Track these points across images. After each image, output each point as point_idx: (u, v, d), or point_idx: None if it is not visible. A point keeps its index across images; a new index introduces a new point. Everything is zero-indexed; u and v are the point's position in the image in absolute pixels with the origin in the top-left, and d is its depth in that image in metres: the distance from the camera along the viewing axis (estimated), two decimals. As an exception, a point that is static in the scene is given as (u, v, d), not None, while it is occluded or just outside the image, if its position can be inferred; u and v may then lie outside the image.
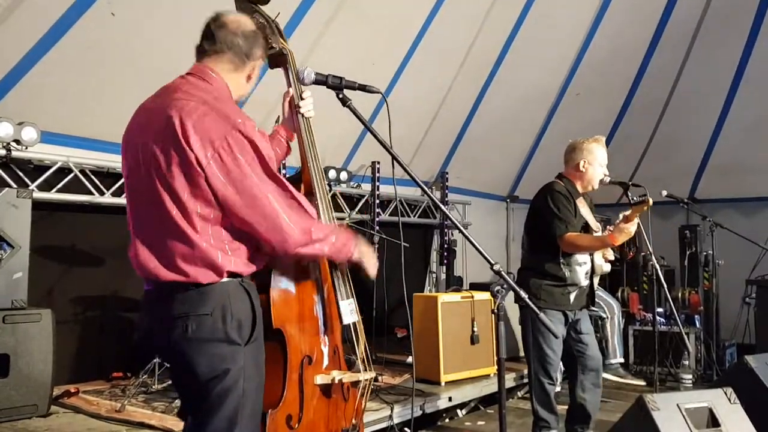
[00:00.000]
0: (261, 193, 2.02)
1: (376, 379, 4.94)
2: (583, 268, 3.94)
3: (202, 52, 2.20)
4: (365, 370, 2.65)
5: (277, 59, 2.64)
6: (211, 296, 2.00)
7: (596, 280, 4.08)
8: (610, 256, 4.14)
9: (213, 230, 2.01)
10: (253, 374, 2.07)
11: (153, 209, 2.01)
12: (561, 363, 4.26)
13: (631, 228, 3.64)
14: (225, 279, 2.03)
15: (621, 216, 3.73)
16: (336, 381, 2.49)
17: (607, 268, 4.10)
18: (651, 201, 3.56)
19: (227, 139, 1.98)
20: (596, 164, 4.03)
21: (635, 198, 3.74)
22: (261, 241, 2.08)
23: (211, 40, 2.18)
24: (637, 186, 4.07)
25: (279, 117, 4.84)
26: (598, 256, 4.02)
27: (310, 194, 2.57)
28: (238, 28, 2.18)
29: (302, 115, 2.61)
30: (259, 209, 2.02)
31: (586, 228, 3.99)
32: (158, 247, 2.02)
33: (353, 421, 2.63)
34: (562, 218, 3.84)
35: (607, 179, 4.06)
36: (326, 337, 2.52)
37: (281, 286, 2.36)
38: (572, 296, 3.94)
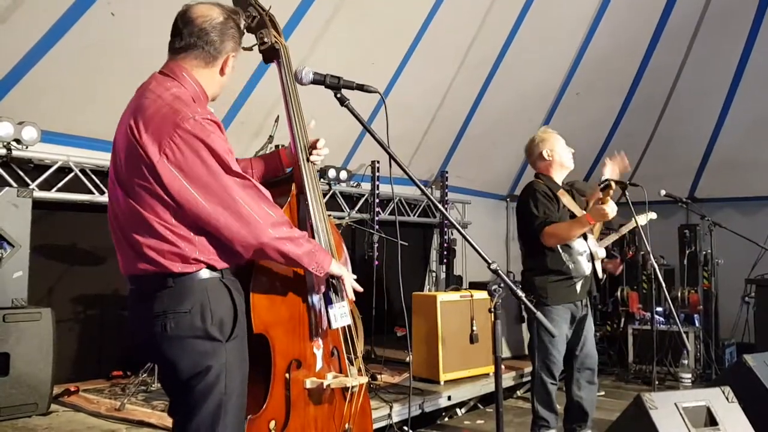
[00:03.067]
0: (217, 186, 1.98)
1: (374, 378, 4.99)
2: (584, 256, 3.96)
3: (172, 50, 2.15)
4: (359, 374, 2.60)
5: (270, 54, 2.58)
6: (190, 293, 2.00)
7: (598, 265, 4.08)
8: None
9: (177, 223, 1.99)
10: (236, 372, 2.06)
11: (122, 207, 2.03)
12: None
13: (607, 209, 3.64)
14: (203, 274, 2.03)
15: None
16: (325, 386, 2.43)
17: (602, 253, 4.11)
18: (613, 184, 3.62)
19: (177, 134, 1.95)
20: (558, 147, 4.10)
21: (625, 197, 3.79)
22: (223, 238, 2.03)
23: (179, 36, 2.12)
24: (635, 185, 4.08)
25: (278, 117, 4.85)
26: (592, 241, 4.03)
27: (301, 193, 2.52)
28: (204, 22, 2.10)
29: (296, 114, 2.58)
30: (217, 202, 1.98)
31: (573, 218, 4.00)
32: (130, 242, 2.02)
33: (346, 425, 2.57)
34: (539, 215, 3.86)
35: (604, 177, 4.06)
36: (320, 339, 2.46)
37: (264, 288, 2.30)
38: (578, 286, 3.96)
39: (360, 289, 2.45)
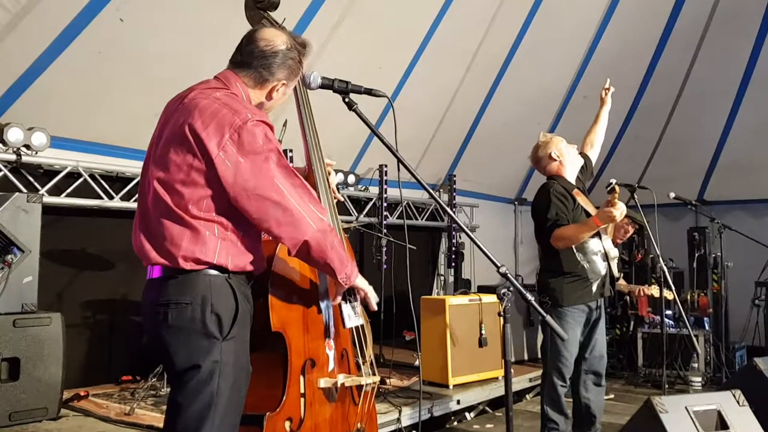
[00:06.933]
0: (270, 183, 2.05)
1: (383, 382, 4.99)
2: (598, 256, 3.94)
3: (232, 62, 2.26)
4: (370, 374, 2.64)
5: None
6: (193, 286, 2.04)
7: (614, 265, 4.06)
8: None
9: (206, 222, 2.05)
10: (229, 373, 2.07)
11: (154, 200, 2.08)
12: None
13: (614, 212, 3.63)
14: (211, 271, 2.06)
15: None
16: (339, 385, 2.49)
17: (615, 252, 4.09)
18: (617, 187, 3.65)
19: (237, 133, 2.02)
20: (562, 146, 4.12)
21: (634, 200, 3.77)
22: (271, 234, 2.10)
23: (240, 51, 2.23)
24: (644, 188, 4.07)
25: (286, 121, 4.86)
26: (606, 241, 4.02)
27: None
28: (266, 46, 2.19)
29: (308, 116, 2.63)
30: (268, 198, 2.05)
31: (588, 216, 3.98)
32: (154, 233, 2.07)
33: (358, 425, 2.62)
34: (550, 217, 3.85)
35: (614, 181, 4.05)
36: (332, 340, 2.52)
37: (282, 288, 2.35)
38: (594, 286, 3.94)
39: (374, 308, 2.49)
